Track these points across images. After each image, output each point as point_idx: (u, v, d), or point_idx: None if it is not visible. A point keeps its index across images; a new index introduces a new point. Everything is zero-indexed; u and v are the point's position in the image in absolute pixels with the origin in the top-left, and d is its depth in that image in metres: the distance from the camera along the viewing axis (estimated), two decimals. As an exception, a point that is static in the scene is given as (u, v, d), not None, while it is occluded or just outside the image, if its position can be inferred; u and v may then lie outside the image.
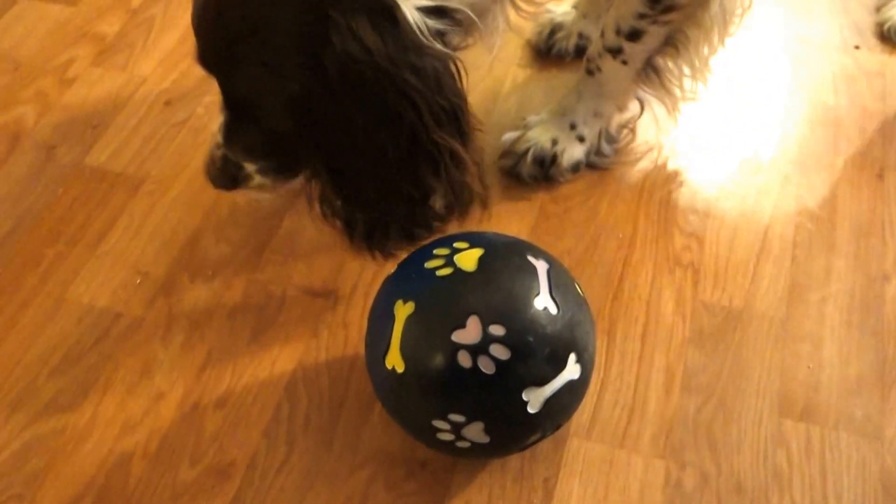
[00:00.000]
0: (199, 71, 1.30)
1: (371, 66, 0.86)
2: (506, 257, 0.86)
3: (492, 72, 1.33)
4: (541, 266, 0.87)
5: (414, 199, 0.95)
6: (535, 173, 1.20)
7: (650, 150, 1.25)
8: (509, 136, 1.22)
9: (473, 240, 0.88)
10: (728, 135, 1.27)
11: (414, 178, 0.93)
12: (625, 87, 1.17)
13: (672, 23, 1.08)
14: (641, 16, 1.06)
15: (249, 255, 1.11)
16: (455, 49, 0.97)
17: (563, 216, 1.17)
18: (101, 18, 1.38)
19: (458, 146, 0.93)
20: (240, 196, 1.16)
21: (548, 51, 1.36)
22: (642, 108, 1.22)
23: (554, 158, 1.20)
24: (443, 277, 0.84)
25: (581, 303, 0.88)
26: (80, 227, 1.14)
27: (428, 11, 0.90)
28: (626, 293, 1.09)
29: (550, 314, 0.84)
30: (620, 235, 1.15)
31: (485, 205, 1.01)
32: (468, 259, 0.85)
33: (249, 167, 1.00)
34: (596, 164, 1.22)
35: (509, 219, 1.17)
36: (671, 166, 1.23)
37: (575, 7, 1.35)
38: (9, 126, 1.25)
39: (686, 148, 1.25)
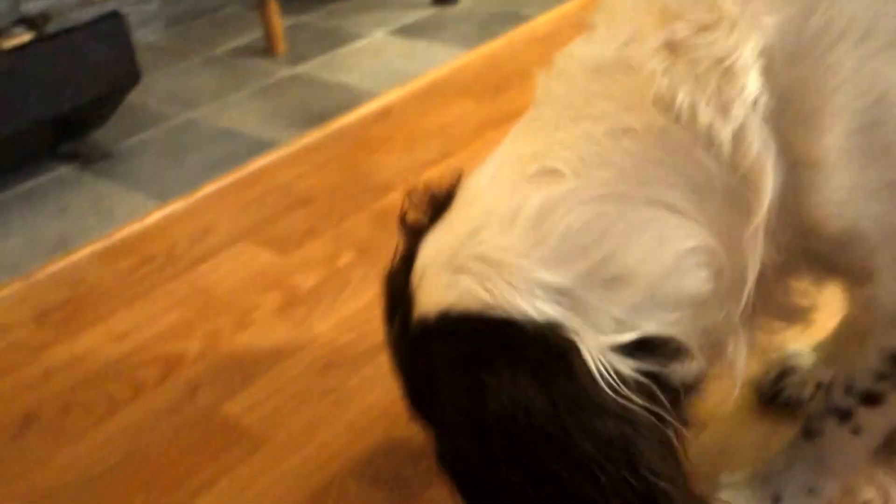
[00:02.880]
0: (371, 340, 1.22)
1: (532, 430, 0.68)
2: None
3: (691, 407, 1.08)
4: None
5: None
6: (712, 551, 0.89)
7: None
8: None
9: None
10: None
11: None
12: (853, 464, 0.87)
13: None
14: (880, 376, 0.78)
15: (334, 563, 0.92)
16: (680, 392, 0.75)
17: None
18: (302, 271, 1.36)
19: None
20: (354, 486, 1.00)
21: (772, 397, 1.07)
22: (886, 501, 0.88)
23: None
24: None
25: None
26: (180, 478, 1.02)
27: (631, 349, 0.70)
28: None
29: None
30: None
31: None
32: None
33: None
34: (804, 560, 0.89)
35: None
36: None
37: (816, 349, 1.07)
38: (171, 357, 1.21)
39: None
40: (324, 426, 1.08)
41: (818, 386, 1.05)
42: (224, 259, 1.40)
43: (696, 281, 0.72)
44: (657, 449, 0.70)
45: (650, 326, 0.71)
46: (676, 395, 0.74)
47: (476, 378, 0.70)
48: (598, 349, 0.69)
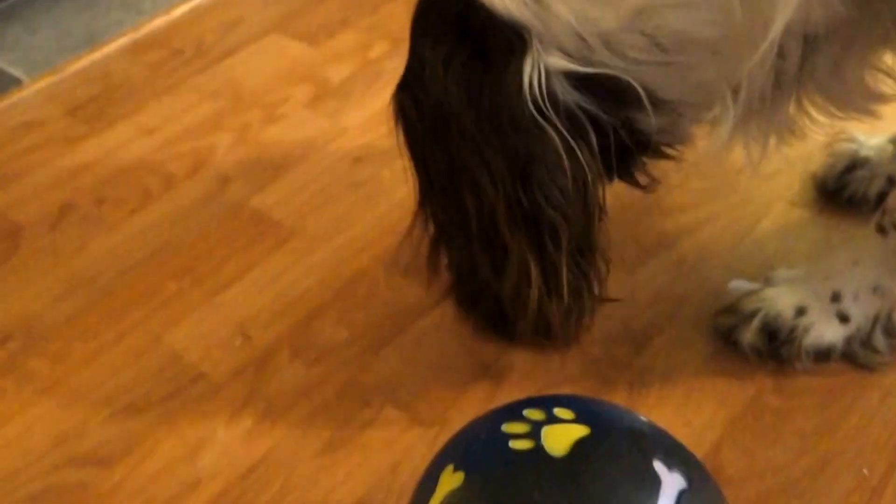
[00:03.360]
0: (403, 133, 1.18)
1: (450, 118, 0.69)
2: (617, 452, 0.57)
3: (748, 203, 1.03)
4: (671, 482, 0.56)
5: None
6: (759, 346, 0.87)
7: (942, 361, 0.86)
8: (738, 285, 0.91)
9: (584, 410, 0.60)
10: None
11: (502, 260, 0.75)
12: None
13: None
14: None
15: (364, 350, 0.91)
16: (634, 144, 0.72)
17: (785, 417, 0.83)
18: (334, 63, 1.30)
19: (529, 256, 0.72)
20: (384, 278, 0.99)
21: (837, 191, 1.01)
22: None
23: (792, 333, 0.86)
24: (515, 452, 0.57)
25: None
26: (212, 269, 1.02)
27: (584, 82, 0.67)
28: (846, 559, 0.73)
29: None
30: (866, 471, 0.79)
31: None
32: (560, 437, 0.57)
33: None
34: (856, 358, 0.86)
35: (703, 399, 0.85)
36: (968, 392, 0.84)
37: (893, 141, 0.99)
38: (201, 151, 1.18)
39: None
40: (354, 219, 1.06)
41: (890, 180, 0.97)
42: (253, 52, 1.35)
43: (695, 21, 0.65)
44: (560, 179, 0.69)
45: (619, 63, 0.67)
46: (627, 146, 0.72)
47: (429, 45, 0.71)
48: (546, 66, 0.66)
